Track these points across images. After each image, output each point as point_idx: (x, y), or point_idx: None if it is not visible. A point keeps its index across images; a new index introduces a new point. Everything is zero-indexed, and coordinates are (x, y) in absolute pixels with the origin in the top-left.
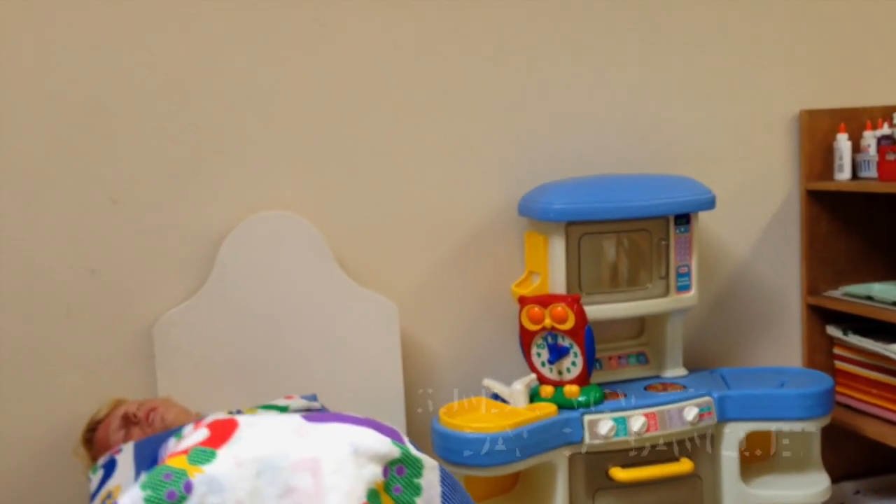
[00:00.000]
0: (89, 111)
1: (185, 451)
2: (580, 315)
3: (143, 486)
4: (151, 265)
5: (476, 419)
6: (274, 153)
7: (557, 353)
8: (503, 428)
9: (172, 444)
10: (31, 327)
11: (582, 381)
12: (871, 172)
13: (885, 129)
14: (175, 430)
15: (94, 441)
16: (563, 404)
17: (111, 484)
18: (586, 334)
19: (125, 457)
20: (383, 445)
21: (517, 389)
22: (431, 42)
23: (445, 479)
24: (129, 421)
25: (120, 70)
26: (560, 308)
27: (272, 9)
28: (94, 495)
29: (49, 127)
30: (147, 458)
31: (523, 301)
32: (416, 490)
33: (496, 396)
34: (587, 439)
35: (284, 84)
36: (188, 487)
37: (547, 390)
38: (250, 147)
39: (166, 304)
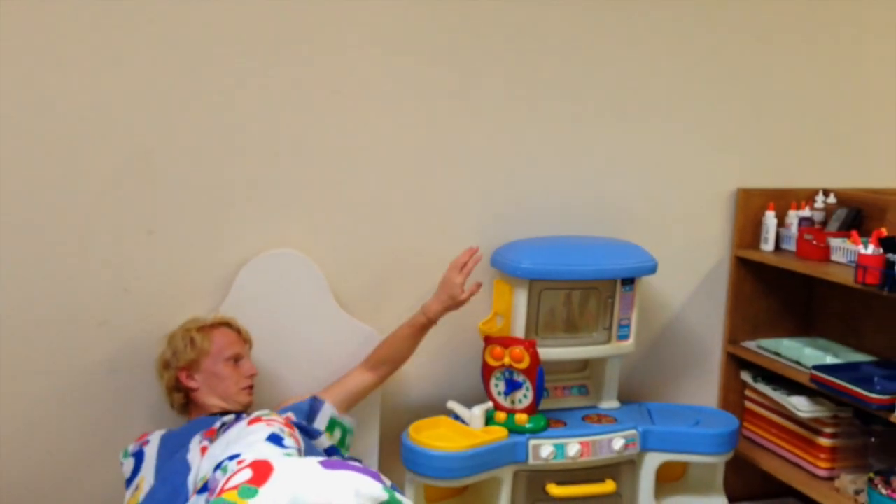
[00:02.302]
0: (139, 157)
1: (235, 488)
2: (534, 358)
3: None
4: (177, 288)
5: (439, 437)
6: (285, 201)
7: (512, 387)
8: (462, 448)
9: (220, 478)
10: (71, 335)
11: (531, 411)
12: (792, 246)
13: (807, 212)
14: (220, 464)
15: (197, 344)
16: (513, 429)
17: (139, 477)
18: (538, 374)
19: (151, 449)
20: (377, 490)
21: (475, 414)
22: (426, 114)
23: None
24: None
25: (166, 124)
26: (518, 350)
27: (293, 79)
28: (128, 482)
29: (103, 168)
30: (169, 452)
31: (488, 340)
32: None
33: (457, 417)
34: (530, 460)
35: (297, 144)
36: None
37: (500, 416)
38: (266, 196)
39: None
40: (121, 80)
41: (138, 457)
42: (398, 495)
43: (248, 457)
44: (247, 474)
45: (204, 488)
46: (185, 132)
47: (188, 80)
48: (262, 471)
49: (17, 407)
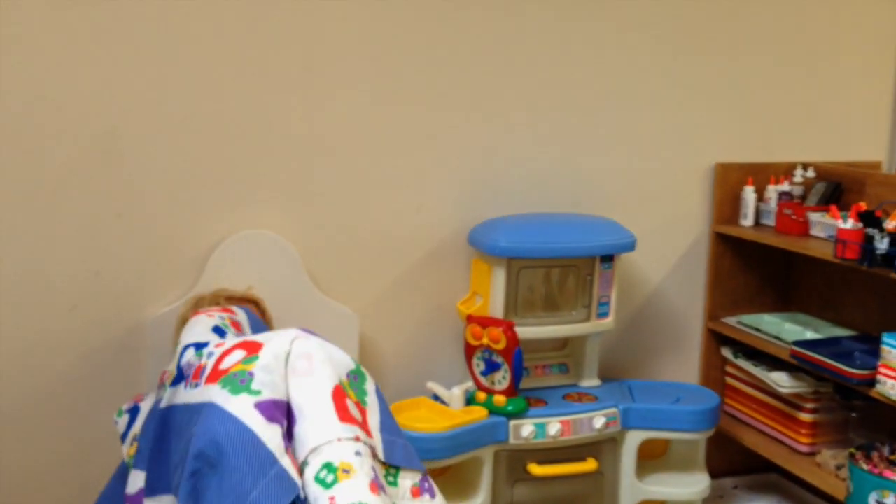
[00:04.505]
0: (105, 138)
1: (239, 362)
2: (512, 340)
3: (223, 385)
4: (148, 271)
5: (419, 418)
6: (259, 181)
7: (491, 368)
8: (442, 429)
9: (199, 361)
10: (42, 320)
11: (509, 393)
12: (771, 221)
13: (786, 186)
14: (197, 347)
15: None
16: (493, 410)
17: (136, 427)
18: (515, 356)
19: (147, 403)
20: (346, 357)
21: (455, 394)
22: (400, 94)
23: (377, 391)
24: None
25: (133, 104)
26: (496, 331)
27: (263, 56)
28: (123, 436)
29: (69, 150)
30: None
31: (469, 319)
32: (364, 392)
33: (437, 397)
34: (511, 440)
35: (270, 123)
36: (251, 374)
37: (481, 396)
38: (239, 175)
39: (159, 304)
40: (85, 59)
41: (133, 412)
42: (362, 368)
43: (229, 342)
44: (239, 354)
45: (179, 378)
46: (151, 112)
47: (155, 59)
48: (253, 346)
49: None
